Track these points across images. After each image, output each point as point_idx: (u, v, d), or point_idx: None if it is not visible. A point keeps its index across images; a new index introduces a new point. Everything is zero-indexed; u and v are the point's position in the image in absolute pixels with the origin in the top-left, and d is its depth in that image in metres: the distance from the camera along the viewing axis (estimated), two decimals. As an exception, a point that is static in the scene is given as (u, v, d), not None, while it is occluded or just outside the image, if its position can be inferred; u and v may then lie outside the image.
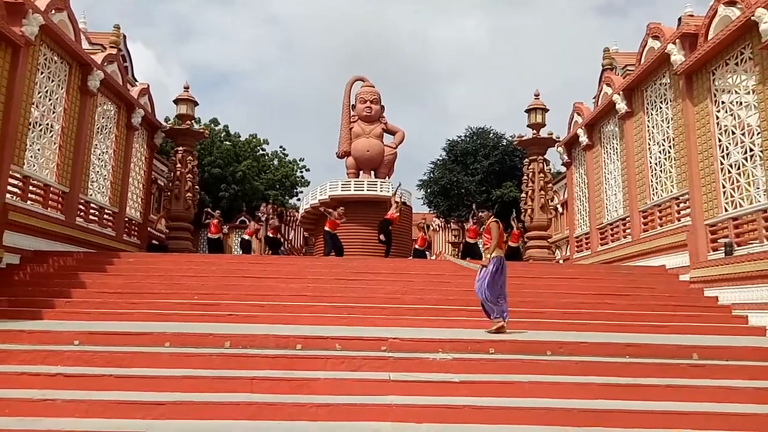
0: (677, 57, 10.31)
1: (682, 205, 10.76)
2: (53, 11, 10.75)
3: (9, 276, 8.97)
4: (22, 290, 8.46)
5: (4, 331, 5.93)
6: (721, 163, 9.48)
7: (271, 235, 17.93)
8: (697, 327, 7.73)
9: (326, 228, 14.03)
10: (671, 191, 11.12)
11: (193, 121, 17.04)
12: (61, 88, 11.32)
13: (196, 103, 16.73)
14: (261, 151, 32.30)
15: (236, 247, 18.31)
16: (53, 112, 11.09)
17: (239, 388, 5.06)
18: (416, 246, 16.63)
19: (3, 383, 4.91)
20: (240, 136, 31.07)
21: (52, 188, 10.96)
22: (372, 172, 22.99)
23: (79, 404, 4.65)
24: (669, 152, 11.29)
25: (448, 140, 31.34)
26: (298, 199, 32.77)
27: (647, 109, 12.20)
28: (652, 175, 11.95)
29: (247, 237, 18.52)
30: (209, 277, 9.59)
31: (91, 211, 12.57)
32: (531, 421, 4.77)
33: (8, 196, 9.45)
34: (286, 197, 33.59)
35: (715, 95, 9.71)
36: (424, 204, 31.26)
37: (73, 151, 11.62)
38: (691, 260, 9.86)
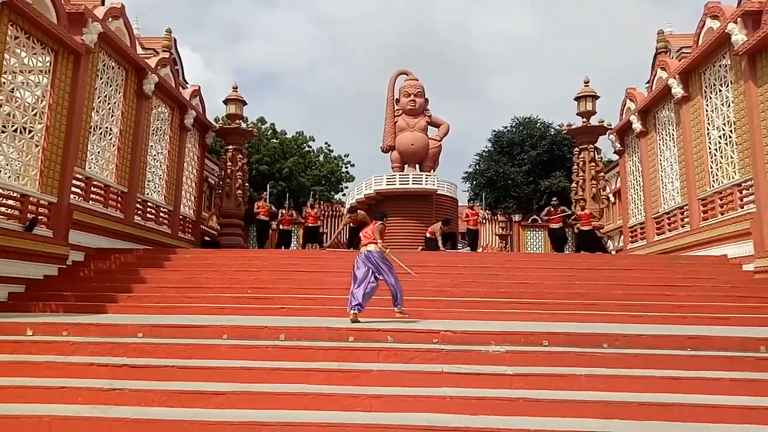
0: (738, 37, 9.80)
1: (745, 192, 10.25)
2: (110, 19, 11.22)
3: (75, 273, 9.46)
4: (87, 286, 8.91)
5: (74, 324, 6.26)
6: (788, 147, 8.98)
7: (310, 225, 16.41)
8: (764, 319, 7.37)
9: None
10: (733, 177, 10.61)
11: (241, 121, 17.44)
12: (119, 93, 11.80)
13: (244, 103, 17.11)
14: (307, 148, 32.76)
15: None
16: (112, 116, 11.58)
17: (294, 379, 5.17)
18: (427, 235, 14.93)
19: (76, 373, 5.20)
20: (286, 134, 31.59)
21: (112, 188, 11.47)
22: (417, 166, 22.93)
23: (145, 393, 4.86)
24: (730, 137, 10.77)
25: (494, 131, 30.99)
26: (344, 195, 33.11)
27: (705, 92, 11.67)
28: (711, 162, 11.44)
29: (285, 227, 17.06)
30: (261, 271, 9.82)
31: (148, 209, 13.07)
32: (588, 414, 4.67)
33: (72, 196, 9.95)
34: (332, 193, 33.97)
35: (780, 75, 9.20)
36: (470, 197, 31.00)
37: (130, 153, 12.11)
38: (756, 249, 9.39)
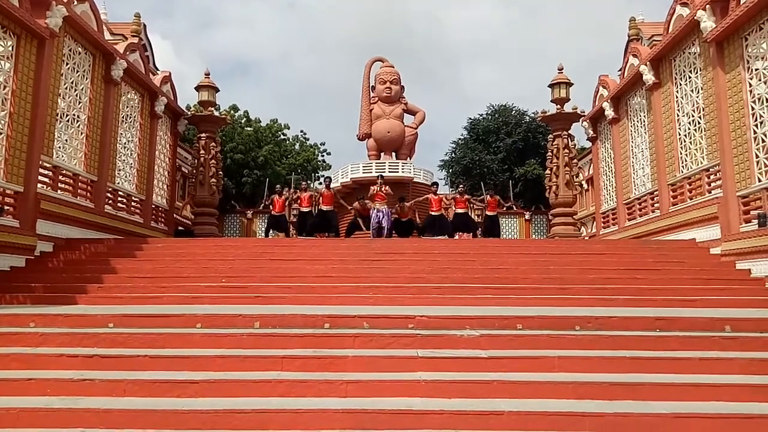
0: (707, 24, 9.97)
1: (712, 177, 10.49)
2: (75, 2, 10.87)
3: (43, 263, 9.24)
4: (56, 277, 8.71)
5: (42, 315, 6.12)
6: (754, 132, 9.19)
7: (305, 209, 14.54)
8: (729, 300, 7.58)
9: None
10: (701, 163, 10.84)
11: (214, 108, 17.15)
12: (86, 79, 11.48)
13: (217, 90, 16.82)
14: (282, 136, 32.39)
15: (261, 233, 18.12)
16: (79, 103, 11.27)
17: (270, 367, 5.15)
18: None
19: (44, 364, 5.09)
20: (260, 122, 31.18)
21: (81, 177, 11.19)
22: (393, 154, 22.89)
23: (116, 384, 4.79)
24: (699, 123, 10.99)
25: (470, 119, 31.14)
26: (320, 183, 32.90)
27: (676, 79, 11.86)
28: (681, 148, 11.67)
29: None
30: (236, 260, 9.72)
31: (119, 198, 12.81)
32: (560, 395, 4.76)
33: (39, 185, 9.68)
34: (309, 182, 33.73)
35: (747, 62, 9.38)
36: (446, 184, 31.14)
37: (99, 141, 11.82)
38: (723, 233, 9.64)
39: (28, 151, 9.33)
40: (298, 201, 14.82)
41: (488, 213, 15.58)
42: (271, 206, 15.59)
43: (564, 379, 4.92)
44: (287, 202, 15.83)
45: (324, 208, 14.26)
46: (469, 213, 15.92)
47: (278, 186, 16.65)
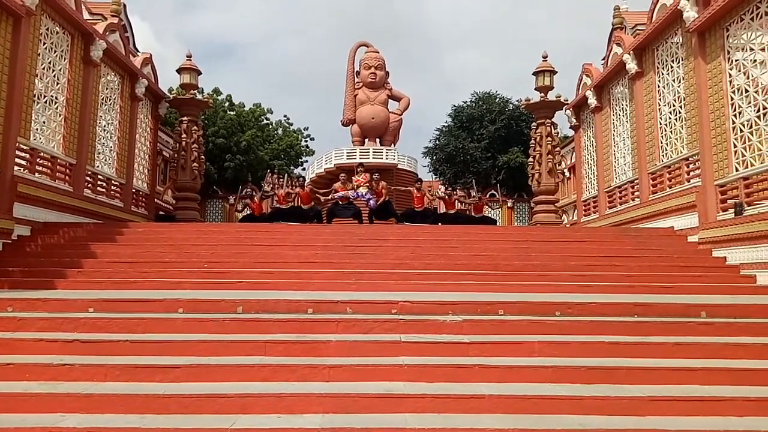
0: (690, 14, 10.05)
1: (692, 166, 10.65)
2: (51, -21, 10.56)
3: (21, 247, 9.08)
4: (34, 261, 8.57)
5: (20, 300, 6.03)
6: (733, 122, 9.32)
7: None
8: (706, 287, 7.74)
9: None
10: (681, 152, 11.00)
11: (196, 91, 16.89)
12: (64, 59, 11.22)
13: (199, 72, 16.55)
14: (265, 121, 32.07)
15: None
16: (57, 84, 11.02)
17: (253, 352, 5.15)
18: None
19: (23, 349, 5.03)
20: (244, 106, 30.82)
21: (59, 160, 10.98)
22: (377, 140, 22.87)
23: (97, 368, 4.75)
24: (680, 113, 11.12)
25: (454, 106, 31.16)
26: (303, 169, 32.70)
27: (658, 68, 11.97)
28: (662, 137, 11.81)
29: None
30: (218, 245, 9.65)
31: (99, 182, 12.60)
32: (540, 379, 4.84)
33: (16, 168, 9.48)
34: (291, 167, 33.49)
35: (728, 53, 9.48)
36: (430, 171, 31.20)
37: (78, 123, 11.59)
38: (700, 221, 9.82)
39: (4, 132, 9.10)
40: (276, 197, 14.63)
41: (475, 215, 15.33)
42: (249, 210, 15.15)
43: (544, 364, 4.99)
44: (267, 196, 15.61)
45: (304, 207, 14.21)
46: (458, 211, 15.76)
47: (248, 189, 16.37)
